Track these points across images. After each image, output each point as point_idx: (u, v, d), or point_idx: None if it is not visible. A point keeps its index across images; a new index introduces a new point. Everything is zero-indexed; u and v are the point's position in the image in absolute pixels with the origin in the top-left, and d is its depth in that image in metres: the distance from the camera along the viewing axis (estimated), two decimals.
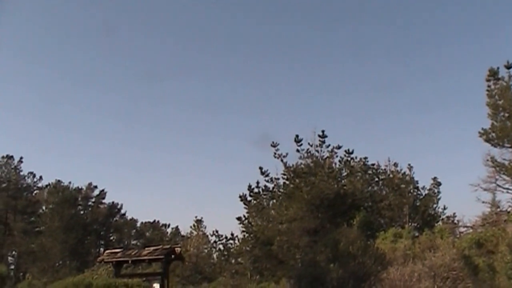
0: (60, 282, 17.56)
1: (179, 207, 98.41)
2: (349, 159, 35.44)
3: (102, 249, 59.32)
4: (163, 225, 74.50)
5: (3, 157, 63.80)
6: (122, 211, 71.32)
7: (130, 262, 26.19)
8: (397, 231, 30.12)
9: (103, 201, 68.98)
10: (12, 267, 62.05)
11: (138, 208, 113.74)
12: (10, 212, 63.19)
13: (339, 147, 34.69)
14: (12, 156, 64.11)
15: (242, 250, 35.99)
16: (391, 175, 38.83)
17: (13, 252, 64.08)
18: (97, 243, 68.64)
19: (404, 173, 38.74)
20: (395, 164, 39.07)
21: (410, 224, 34.12)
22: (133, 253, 26.24)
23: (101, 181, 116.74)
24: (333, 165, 34.81)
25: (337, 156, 34.94)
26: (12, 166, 64.02)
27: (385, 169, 39.17)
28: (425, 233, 28.57)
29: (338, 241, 21.76)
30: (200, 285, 40.44)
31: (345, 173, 35.69)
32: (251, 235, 34.74)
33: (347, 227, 27.94)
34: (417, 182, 38.93)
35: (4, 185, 63.19)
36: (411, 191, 38.48)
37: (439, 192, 38.71)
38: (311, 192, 32.10)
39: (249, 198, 35.09)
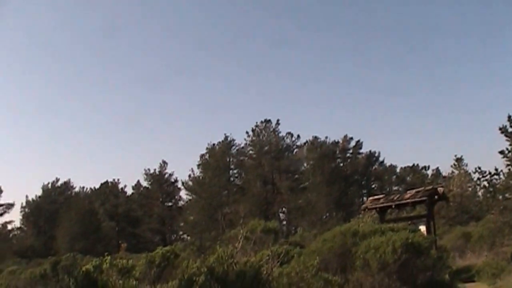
0: (328, 232, 18.41)
1: (437, 148, 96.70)
2: None
3: (365, 198, 60.83)
4: (422, 167, 73.41)
5: (261, 122, 68.22)
6: (381, 159, 72.43)
7: (393, 207, 26.44)
8: None
9: (360, 151, 70.64)
10: (284, 222, 66.56)
11: (397, 154, 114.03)
12: (276, 173, 67.51)
13: None
14: (269, 120, 68.26)
15: (509, 184, 34.16)
16: None
17: (283, 209, 68.63)
18: (359, 192, 70.48)
19: None
20: None
21: None
22: (395, 198, 26.42)
23: (357, 132, 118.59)
24: None
25: None
26: (271, 129, 68.15)
27: None
28: None
29: None
30: (468, 224, 39.31)
31: None
32: None
33: None
34: None
35: (266, 148, 67.62)
36: None
37: None
38: None
39: (510, 130, 33.14)
